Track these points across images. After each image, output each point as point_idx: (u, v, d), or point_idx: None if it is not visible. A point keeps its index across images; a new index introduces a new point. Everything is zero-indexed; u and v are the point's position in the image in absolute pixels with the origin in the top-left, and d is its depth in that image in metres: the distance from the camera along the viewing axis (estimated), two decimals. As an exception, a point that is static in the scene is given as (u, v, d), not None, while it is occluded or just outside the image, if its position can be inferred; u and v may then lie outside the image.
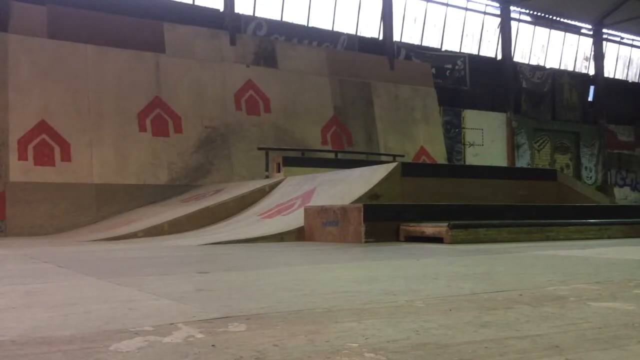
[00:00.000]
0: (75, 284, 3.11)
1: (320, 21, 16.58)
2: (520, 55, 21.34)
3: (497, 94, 19.82)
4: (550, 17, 21.82)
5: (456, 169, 12.51)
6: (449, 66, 18.96)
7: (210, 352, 1.45)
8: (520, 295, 2.37)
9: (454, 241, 5.84)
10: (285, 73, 14.72)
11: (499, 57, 20.40)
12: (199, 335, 1.63)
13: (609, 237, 6.90)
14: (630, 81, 24.87)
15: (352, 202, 6.91)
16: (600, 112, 22.93)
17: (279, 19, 15.83)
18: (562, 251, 4.91)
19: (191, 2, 14.58)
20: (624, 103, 23.54)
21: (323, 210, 6.88)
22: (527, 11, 21.29)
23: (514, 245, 5.71)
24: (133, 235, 8.32)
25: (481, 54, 20.15)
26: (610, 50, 24.18)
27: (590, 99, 22.97)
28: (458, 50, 19.47)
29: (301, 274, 3.47)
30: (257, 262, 4.34)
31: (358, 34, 17.22)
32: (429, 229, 6.16)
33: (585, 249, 5.12)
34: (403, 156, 14.43)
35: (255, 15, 15.48)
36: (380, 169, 8.24)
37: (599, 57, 23.27)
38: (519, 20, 21.19)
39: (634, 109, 23.71)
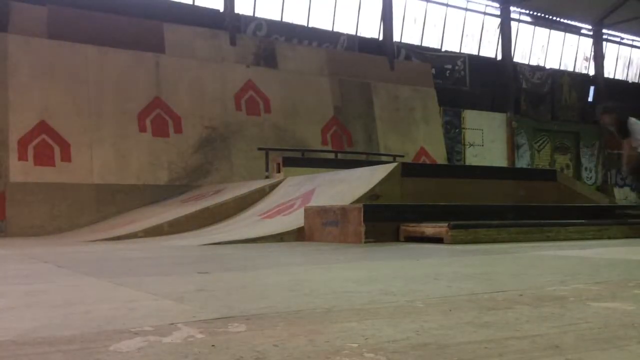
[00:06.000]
0: (75, 284, 3.11)
1: (320, 21, 16.59)
2: (520, 56, 21.34)
3: (497, 94, 19.82)
4: (550, 17, 21.82)
5: (456, 169, 12.51)
6: (449, 66, 18.96)
7: (210, 352, 1.45)
8: (520, 295, 2.37)
9: (454, 241, 5.84)
10: (285, 73, 14.72)
11: (499, 57, 20.40)
12: (199, 336, 1.63)
13: (609, 237, 6.90)
14: (630, 81, 24.86)
15: (352, 202, 6.90)
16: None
17: (279, 19, 15.83)
18: (562, 251, 4.91)
19: (191, 2, 14.58)
20: (624, 103, 23.52)
21: (323, 210, 6.88)
22: (527, 11, 21.29)
23: (514, 245, 5.71)
24: (133, 236, 8.32)
25: (481, 54, 20.16)
26: (610, 50, 24.18)
27: (590, 99, 22.97)
28: (458, 51, 19.47)
29: (301, 274, 3.47)
30: (257, 262, 4.34)
31: (358, 34, 17.22)
32: (429, 229, 6.16)
33: (585, 249, 5.12)
34: (403, 156, 14.42)
35: (255, 15, 15.48)
36: (380, 169, 8.24)
37: (599, 57, 23.27)
38: (519, 21, 21.19)
39: (634, 109, 23.69)
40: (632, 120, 7.27)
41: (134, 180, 12.15)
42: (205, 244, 6.46)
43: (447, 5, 19.33)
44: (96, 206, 11.62)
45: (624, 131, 7.18)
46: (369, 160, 13.09)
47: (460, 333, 1.65)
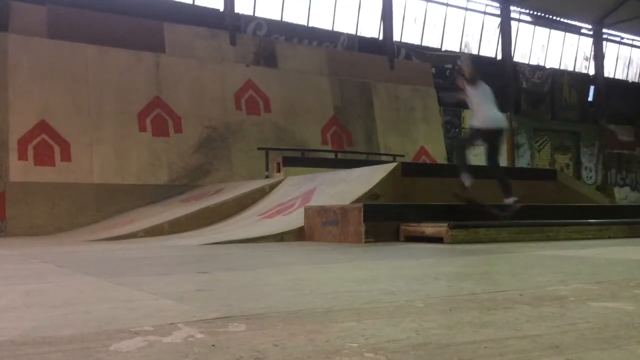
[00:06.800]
0: (75, 284, 3.11)
1: (320, 21, 16.58)
2: (520, 55, 21.34)
3: (497, 94, 19.74)
4: (550, 17, 21.82)
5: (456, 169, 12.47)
6: (449, 66, 18.95)
7: (210, 352, 1.45)
8: (520, 295, 2.37)
9: (454, 241, 5.84)
10: (285, 73, 14.72)
11: (499, 57, 20.39)
12: (199, 335, 1.63)
13: (609, 237, 6.90)
14: (630, 81, 24.86)
15: (352, 202, 6.90)
16: (600, 112, 22.93)
17: (279, 19, 15.83)
18: (562, 251, 4.91)
19: (191, 2, 14.58)
20: (624, 103, 23.54)
21: (323, 210, 6.87)
22: (527, 11, 21.29)
23: (514, 245, 5.71)
24: (133, 235, 8.32)
25: (481, 54, 20.15)
26: (610, 50, 24.18)
27: (590, 99, 22.97)
28: (458, 50, 19.46)
29: (301, 273, 3.47)
30: (257, 262, 4.34)
31: (358, 34, 17.22)
32: (429, 229, 6.16)
33: (585, 249, 5.13)
34: (403, 156, 14.43)
35: (255, 15, 15.48)
36: (380, 169, 8.24)
37: (599, 57, 23.27)
38: (519, 20, 21.18)
39: (634, 109, 23.72)
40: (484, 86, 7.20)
41: (134, 180, 12.15)
42: (205, 244, 6.46)
43: (447, 5, 19.33)
44: (96, 206, 11.61)
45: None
46: (369, 160, 13.09)
47: (460, 333, 1.65)
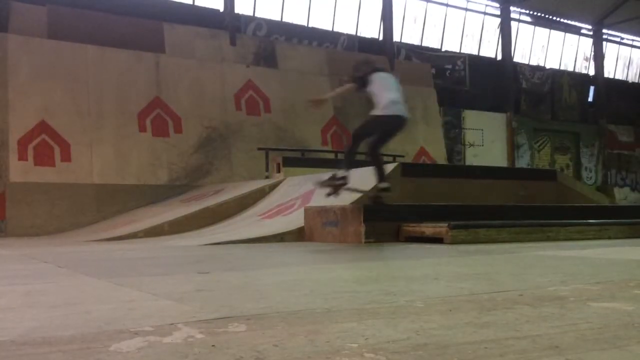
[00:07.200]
0: (75, 284, 3.11)
1: (320, 21, 16.58)
2: (520, 56, 21.34)
3: (497, 94, 19.82)
4: (550, 17, 21.82)
5: (456, 169, 12.51)
6: (449, 66, 18.96)
7: (210, 352, 1.45)
8: (520, 295, 2.37)
9: (454, 241, 5.84)
10: (285, 73, 14.72)
11: (499, 57, 20.39)
12: (199, 336, 1.63)
13: (609, 238, 6.90)
14: (630, 81, 24.86)
15: (352, 202, 6.90)
16: (600, 112, 22.94)
17: (279, 19, 15.84)
18: (563, 251, 4.91)
19: (191, 2, 14.58)
20: (624, 103, 23.54)
21: (323, 210, 6.87)
22: (527, 11, 21.29)
23: (514, 245, 5.71)
24: (133, 236, 8.32)
25: (481, 54, 20.15)
26: (610, 50, 24.18)
27: (590, 99, 22.97)
28: (458, 51, 19.47)
29: (301, 274, 3.47)
30: (257, 262, 4.34)
31: (358, 34, 17.22)
32: (429, 229, 6.16)
33: (585, 249, 5.12)
34: (403, 156, 14.41)
35: (255, 15, 15.48)
36: (380, 169, 8.21)
37: (599, 57, 23.27)
38: (519, 21, 21.19)
39: (634, 109, 23.72)
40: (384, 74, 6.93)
41: (134, 180, 12.15)
42: (205, 244, 6.46)
43: (447, 5, 19.33)
44: (96, 206, 11.61)
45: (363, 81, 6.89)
46: (369, 160, 13.04)
47: (460, 333, 1.65)
